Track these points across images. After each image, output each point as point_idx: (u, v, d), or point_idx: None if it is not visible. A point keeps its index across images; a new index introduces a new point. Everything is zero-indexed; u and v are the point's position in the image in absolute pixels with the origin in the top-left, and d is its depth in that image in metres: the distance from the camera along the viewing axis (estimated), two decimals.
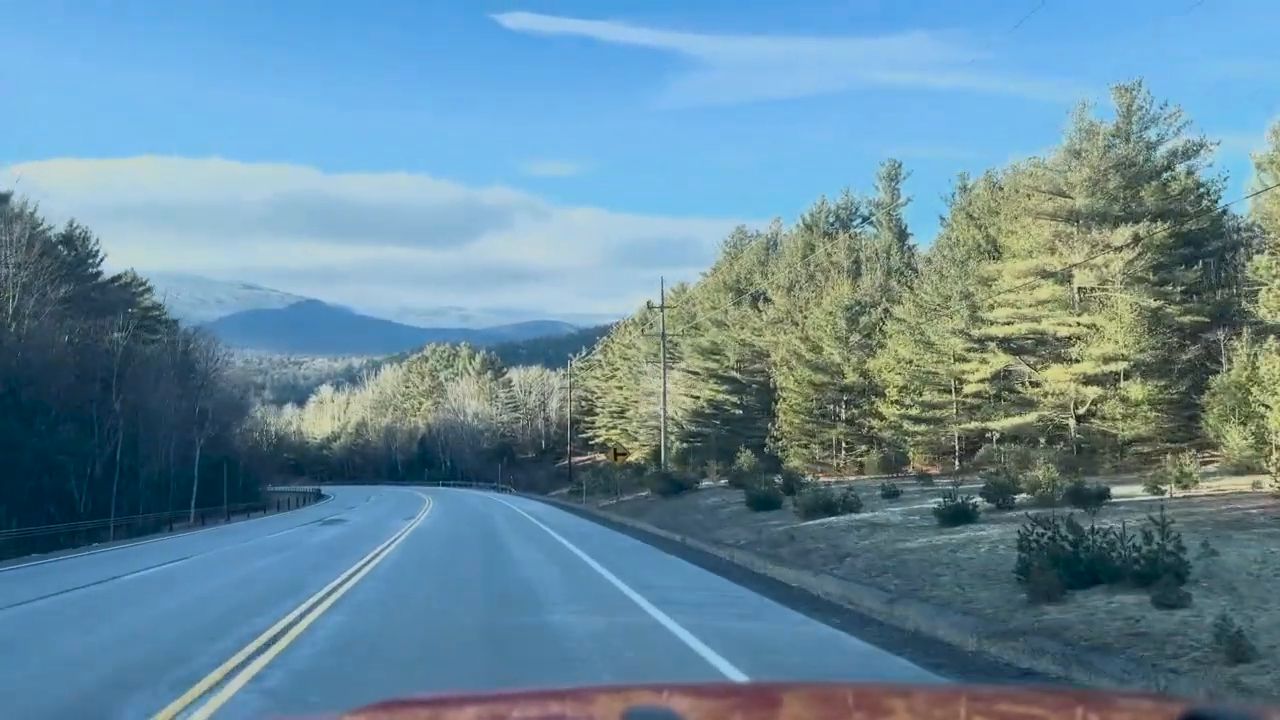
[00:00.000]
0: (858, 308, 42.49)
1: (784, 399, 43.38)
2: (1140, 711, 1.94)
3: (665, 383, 45.43)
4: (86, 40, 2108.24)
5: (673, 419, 73.13)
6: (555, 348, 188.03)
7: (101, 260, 54.10)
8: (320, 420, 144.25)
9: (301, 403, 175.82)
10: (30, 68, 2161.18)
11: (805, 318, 44.49)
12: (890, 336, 40.47)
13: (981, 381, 34.70)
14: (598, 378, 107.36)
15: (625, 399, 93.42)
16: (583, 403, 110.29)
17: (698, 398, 58.98)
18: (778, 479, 35.66)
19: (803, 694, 2.32)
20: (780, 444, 43.61)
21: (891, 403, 39.50)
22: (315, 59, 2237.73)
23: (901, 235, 60.11)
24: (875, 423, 40.35)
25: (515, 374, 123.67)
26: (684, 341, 70.49)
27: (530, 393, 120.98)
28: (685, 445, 60.62)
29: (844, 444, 42.88)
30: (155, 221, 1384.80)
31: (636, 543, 24.48)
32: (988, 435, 33.96)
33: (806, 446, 43.12)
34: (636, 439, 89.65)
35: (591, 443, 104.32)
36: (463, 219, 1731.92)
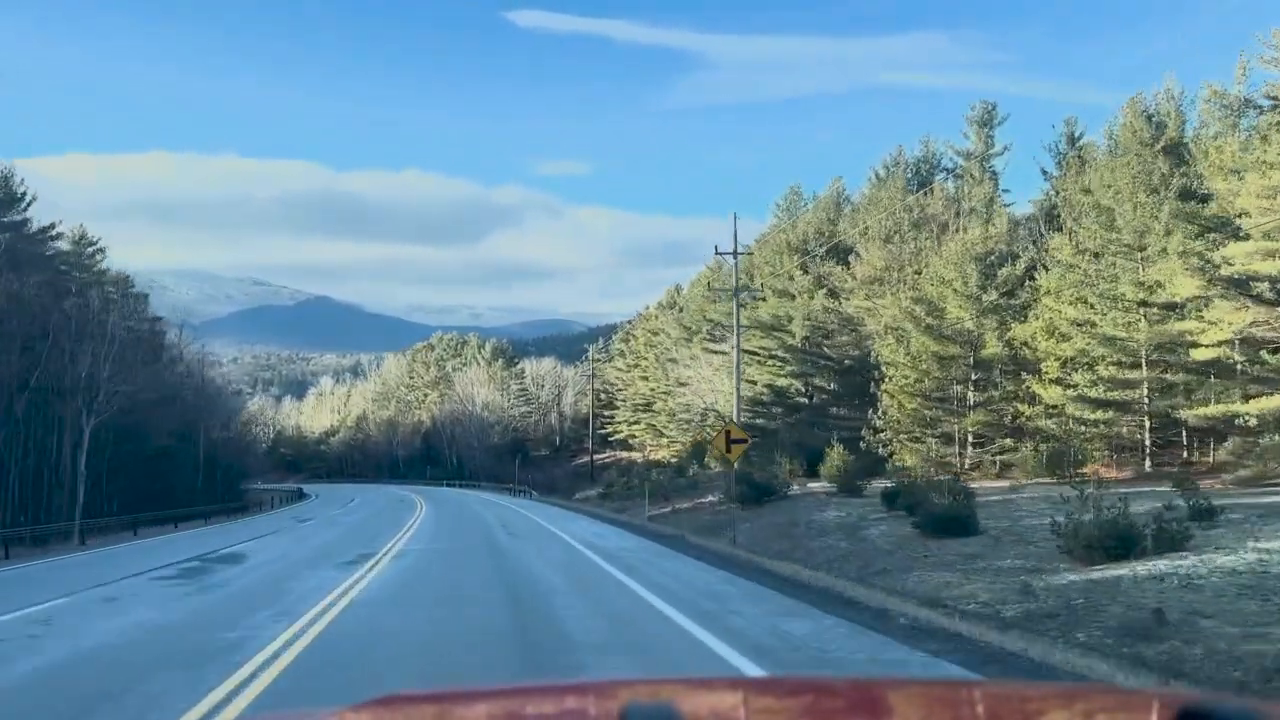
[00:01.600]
0: (994, 257, 31.48)
1: (890, 378, 32.44)
2: (1139, 706, 1.87)
3: (738, 354, 34.36)
4: (97, 33, 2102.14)
5: (715, 410, 62.30)
6: (565, 345, 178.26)
7: (28, 206, 43.42)
8: (319, 414, 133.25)
9: (302, 396, 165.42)
10: (41, 61, 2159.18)
11: (918, 273, 33.50)
12: (1047, 292, 29.51)
13: (1218, 345, 23.71)
14: (619, 368, 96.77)
15: (651, 391, 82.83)
16: (601, 396, 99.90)
17: (754, 382, 48.01)
18: (896, 478, 24.79)
19: (807, 688, 2.30)
20: (882, 436, 32.64)
21: (1051, 381, 28.55)
22: (327, 56, 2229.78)
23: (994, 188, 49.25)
24: (1025, 408, 29.39)
25: (528, 365, 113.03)
26: (730, 319, 59.53)
27: (543, 386, 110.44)
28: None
29: (971, 437, 31.93)
30: (166, 217, 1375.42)
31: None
32: (1239, 421, 22.85)
33: (920, 440, 32.13)
34: (665, 434, 78.91)
35: (611, 439, 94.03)
36: (473, 217, 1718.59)
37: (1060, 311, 28.63)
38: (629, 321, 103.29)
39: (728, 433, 17.28)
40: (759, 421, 49.02)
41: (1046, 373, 28.81)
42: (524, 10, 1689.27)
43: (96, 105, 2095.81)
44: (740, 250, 33.91)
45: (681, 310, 79.27)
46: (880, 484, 28.48)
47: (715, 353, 61.77)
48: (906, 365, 31.50)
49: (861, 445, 32.98)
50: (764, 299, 51.02)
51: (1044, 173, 51.90)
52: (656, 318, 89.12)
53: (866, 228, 38.96)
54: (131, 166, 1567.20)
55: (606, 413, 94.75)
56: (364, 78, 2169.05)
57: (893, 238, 37.37)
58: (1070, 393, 27.84)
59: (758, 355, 48.34)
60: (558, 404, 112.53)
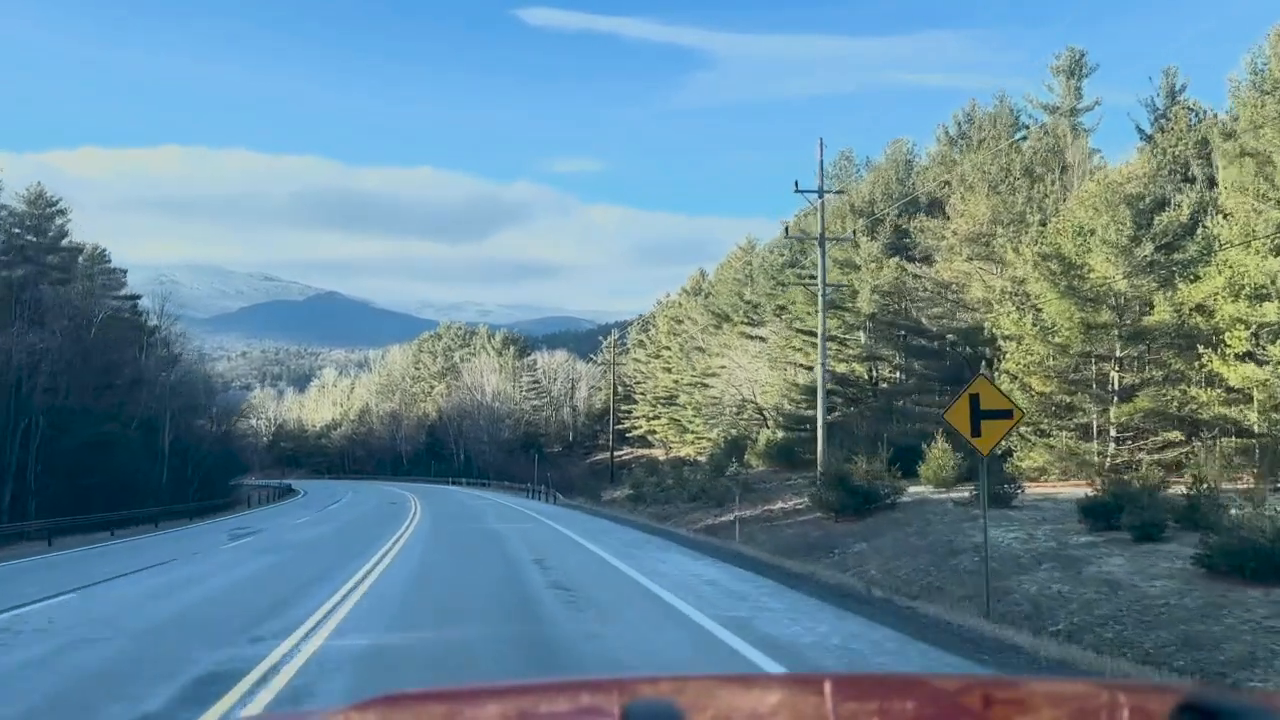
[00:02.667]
0: (1148, 200, 24.40)
1: (1008, 355, 25.41)
2: (1139, 699, 1.84)
3: (823, 317, 27.03)
4: (109, 27, 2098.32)
5: (752, 402, 55.36)
6: (575, 342, 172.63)
7: None
8: (321, 407, 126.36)
9: (303, 388, 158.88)
10: (56, 54, 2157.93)
11: (1043, 224, 26.39)
12: (1229, 243, 22.46)
13: None
14: (638, 359, 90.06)
15: (675, 383, 76.10)
16: (617, 390, 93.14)
17: (809, 368, 41.00)
18: (1108, 486, 17.84)
19: (817, 684, 2.30)
20: None
21: (1238, 356, 21.57)
22: (339, 52, 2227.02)
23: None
24: (1201, 392, 22.39)
25: (540, 357, 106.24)
26: (773, 301, 52.53)
27: (555, 380, 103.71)
28: (787, 434, 42.72)
29: (1114, 430, 24.86)
30: (178, 212, 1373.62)
31: None
32: None
33: (1046, 434, 25.09)
34: (689, 430, 72.15)
35: (629, 435, 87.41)
36: (484, 214, 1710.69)
37: (1252, 266, 21.58)
38: (650, 311, 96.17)
39: (974, 397, 9.97)
40: (810, 413, 42.03)
41: (1231, 345, 21.78)
42: (534, 8, 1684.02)
43: (110, 99, 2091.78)
44: (825, 189, 26.62)
45: (709, 295, 72.34)
46: (1018, 492, 21.45)
47: (753, 338, 54.78)
48: (1034, 338, 24.44)
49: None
50: (812, 276, 43.91)
51: (1140, 131, 44.87)
52: (680, 304, 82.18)
53: (963, 175, 31.77)
54: (144, 161, 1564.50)
55: (624, 407, 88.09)
56: (376, 74, 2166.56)
57: (1000, 185, 30.19)
58: (1269, 370, 20.84)
59: (812, 338, 41.32)
60: (571, 398, 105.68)
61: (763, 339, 53.80)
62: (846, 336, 39.82)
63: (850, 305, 39.52)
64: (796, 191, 25.74)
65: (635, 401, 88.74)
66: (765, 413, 53.77)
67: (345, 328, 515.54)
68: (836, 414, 40.76)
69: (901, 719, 1.73)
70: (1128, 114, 65.29)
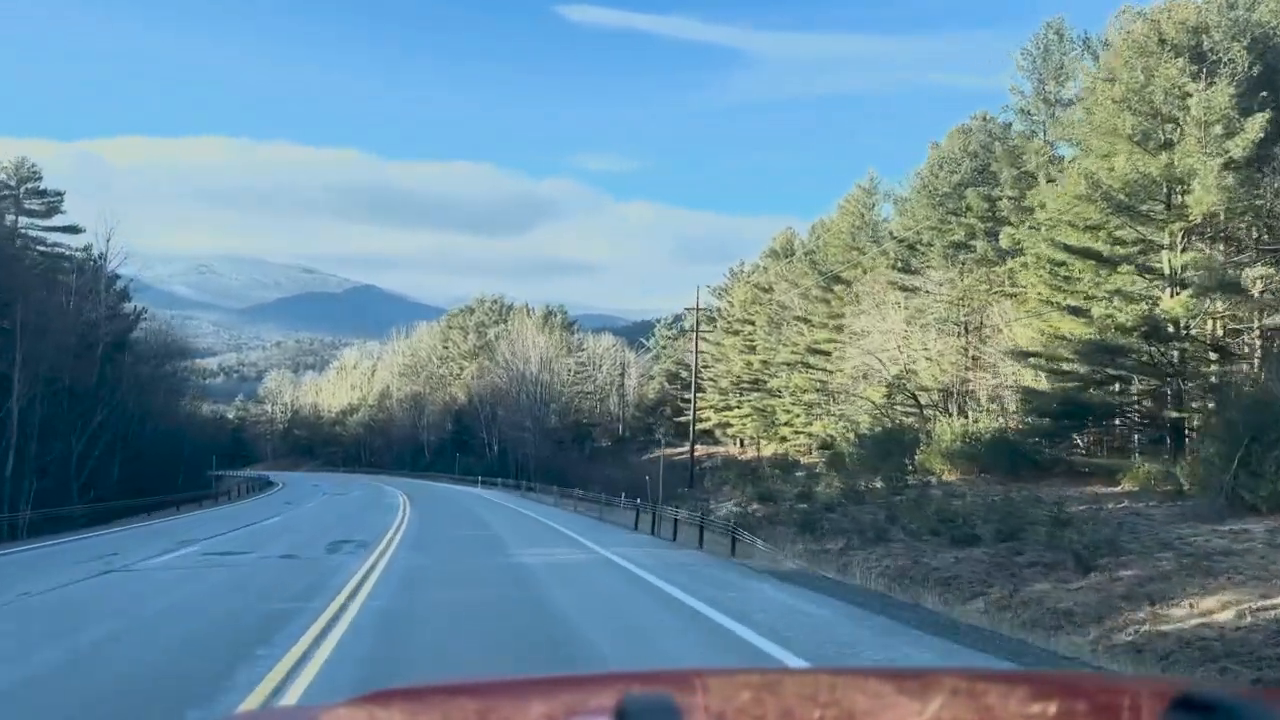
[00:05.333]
0: None
1: None
2: (1135, 693, 1.81)
3: None
4: (152, 15, 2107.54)
5: (905, 380, 38.70)
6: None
7: None
8: (339, 391, 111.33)
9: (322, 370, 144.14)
10: (98, 43, 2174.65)
11: None
12: None
13: None
14: (705, 337, 73.74)
15: (763, 364, 60.12)
16: (680, 376, 77.54)
17: (1087, 312, 24.54)
18: None
19: (804, 680, 2.29)
20: None
21: None
22: (379, 46, 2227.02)
23: None
24: None
25: (588, 339, 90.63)
26: (944, 236, 36.21)
27: (601, 366, 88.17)
28: (996, 426, 26.39)
29: None
30: (218, 202, 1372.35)
31: None
32: None
33: None
34: (781, 422, 56.21)
35: (689, 429, 71.58)
36: (520, 210, 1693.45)
37: None
38: (722, 283, 79.82)
39: None
40: (1071, 386, 25.51)
41: None
42: (576, 5, 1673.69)
43: (156, 90, 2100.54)
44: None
45: (811, 254, 56.01)
46: None
47: (907, 290, 38.46)
48: None
49: None
50: (1060, 157, 27.45)
51: None
52: (766, 270, 65.94)
53: None
54: (188, 150, 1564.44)
55: (684, 397, 72.24)
56: (416, 68, 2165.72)
57: None
58: None
59: (1072, 273, 24.80)
60: (619, 387, 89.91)
61: (919, 291, 37.52)
62: (1146, 258, 23.40)
63: (1145, 207, 23.05)
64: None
65: (703, 389, 72.63)
66: (920, 396, 37.41)
67: (381, 321, 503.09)
68: (1144, 385, 24.27)
69: (904, 711, 1.65)
70: None
